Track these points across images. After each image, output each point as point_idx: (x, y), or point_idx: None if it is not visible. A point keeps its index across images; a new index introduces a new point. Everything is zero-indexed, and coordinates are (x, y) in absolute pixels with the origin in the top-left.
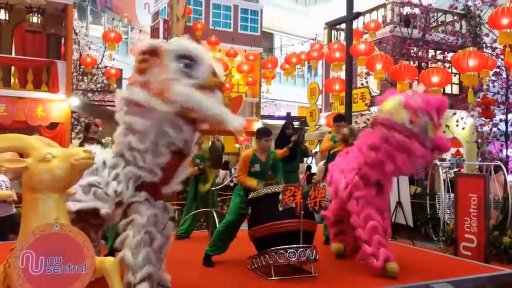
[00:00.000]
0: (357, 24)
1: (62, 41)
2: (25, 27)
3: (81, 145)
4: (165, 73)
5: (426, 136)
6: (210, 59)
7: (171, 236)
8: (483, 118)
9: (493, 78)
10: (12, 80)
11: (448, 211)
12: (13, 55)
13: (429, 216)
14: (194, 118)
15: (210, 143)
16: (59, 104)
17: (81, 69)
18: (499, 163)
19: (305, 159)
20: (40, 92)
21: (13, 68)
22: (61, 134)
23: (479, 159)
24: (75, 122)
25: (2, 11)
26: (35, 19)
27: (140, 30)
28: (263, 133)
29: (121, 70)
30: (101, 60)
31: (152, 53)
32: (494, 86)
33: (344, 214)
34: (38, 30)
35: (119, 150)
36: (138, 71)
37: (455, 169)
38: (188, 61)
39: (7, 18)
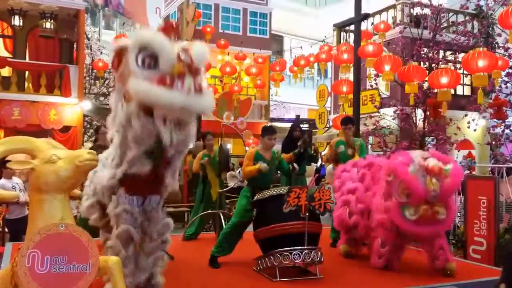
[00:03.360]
0: (367, 25)
1: (75, 46)
2: (38, 33)
3: (92, 148)
4: (127, 68)
5: None
6: (172, 46)
7: (168, 239)
8: (495, 120)
9: (506, 79)
10: (26, 84)
11: (459, 214)
12: (27, 60)
13: None
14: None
15: (218, 147)
16: (71, 108)
17: (93, 73)
18: None
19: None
20: (53, 96)
21: (27, 72)
22: (73, 138)
23: (492, 161)
24: (88, 126)
25: (16, 17)
26: (48, 24)
27: None
28: (267, 131)
29: None
30: None
31: (122, 50)
32: (506, 87)
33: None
34: (51, 35)
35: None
36: (112, 65)
37: (467, 172)
38: (149, 52)
39: (21, 24)
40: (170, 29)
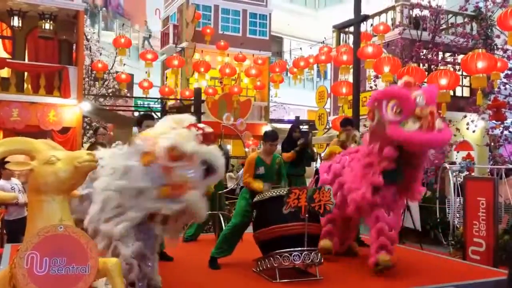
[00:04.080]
0: (366, 26)
1: (74, 47)
2: (38, 34)
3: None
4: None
5: None
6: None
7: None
8: (494, 121)
9: (504, 80)
10: (25, 85)
11: (458, 215)
12: (26, 61)
13: (438, 220)
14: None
15: (218, 147)
16: (70, 109)
17: (93, 75)
18: (511, 166)
19: (313, 163)
20: (52, 97)
21: (26, 73)
22: (72, 139)
23: (490, 162)
24: (87, 127)
25: (16, 18)
26: (47, 25)
27: (150, 36)
28: (269, 137)
29: (132, 75)
30: (112, 66)
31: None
32: (505, 89)
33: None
34: (50, 36)
35: None
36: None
37: (466, 173)
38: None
39: (20, 24)
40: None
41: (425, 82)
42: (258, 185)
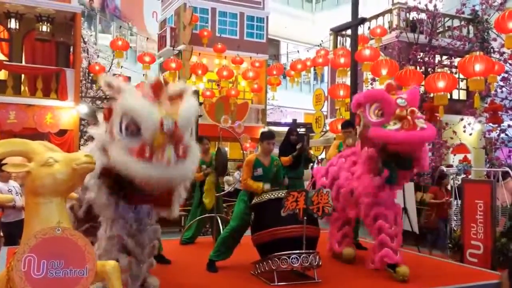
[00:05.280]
0: (363, 30)
1: (71, 49)
2: (35, 36)
3: None
4: (112, 130)
5: None
6: (157, 112)
7: (156, 244)
8: (490, 124)
9: (501, 83)
10: (22, 88)
11: (455, 217)
12: (23, 63)
13: None
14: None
15: (216, 150)
16: (67, 112)
17: (90, 77)
18: (507, 169)
19: (310, 164)
20: (49, 99)
21: (23, 76)
22: (69, 141)
23: (487, 165)
24: (84, 129)
25: (13, 20)
26: (44, 27)
27: (147, 38)
28: (266, 136)
29: (129, 78)
30: (110, 68)
31: (110, 110)
32: (502, 92)
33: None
34: (47, 38)
35: None
36: (104, 117)
37: (463, 176)
38: (132, 119)
39: (17, 27)
40: (159, 88)
41: (422, 85)
42: (257, 185)
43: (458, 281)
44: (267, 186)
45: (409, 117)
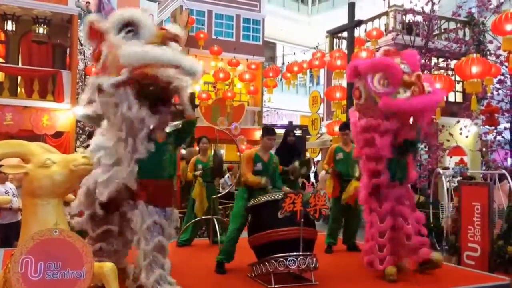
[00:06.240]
0: (359, 32)
1: (68, 51)
2: (31, 38)
3: None
4: (112, 47)
5: None
6: (151, 22)
7: None
8: (487, 126)
9: (497, 85)
10: (19, 89)
11: (443, 215)
12: (20, 65)
13: (432, 225)
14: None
15: (212, 152)
16: (64, 113)
17: (86, 79)
18: (504, 171)
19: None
20: (45, 101)
21: (19, 78)
22: (66, 143)
23: (483, 167)
24: (80, 131)
25: (9, 22)
26: (41, 29)
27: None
28: (267, 131)
29: None
30: None
31: (98, 35)
32: (498, 94)
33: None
34: (44, 40)
35: None
36: (93, 59)
37: (459, 178)
38: (130, 27)
39: (13, 29)
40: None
41: None
42: (256, 179)
43: (455, 284)
44: (264, 180)
45: (418, 83)
